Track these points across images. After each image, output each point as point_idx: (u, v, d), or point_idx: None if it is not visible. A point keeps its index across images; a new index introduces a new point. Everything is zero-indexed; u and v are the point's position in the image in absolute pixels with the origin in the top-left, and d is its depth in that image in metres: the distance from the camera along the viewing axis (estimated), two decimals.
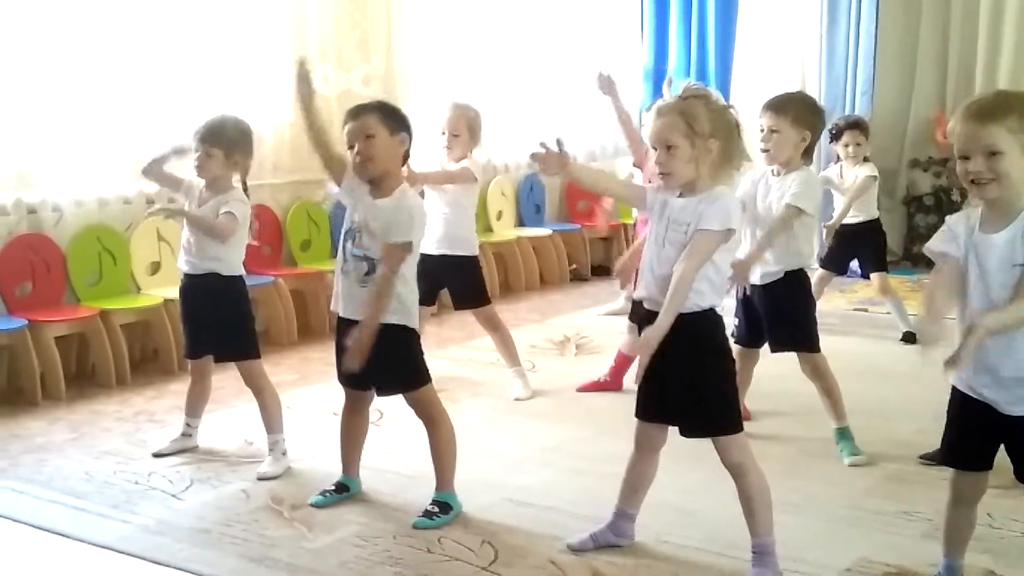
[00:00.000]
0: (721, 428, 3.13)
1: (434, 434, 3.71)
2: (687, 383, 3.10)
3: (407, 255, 3.57)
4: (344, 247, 3.64)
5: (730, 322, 4.34)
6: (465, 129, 5.02)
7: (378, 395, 3.77)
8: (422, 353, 3.73)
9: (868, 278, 6.17)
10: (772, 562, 3.13)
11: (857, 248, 6.03)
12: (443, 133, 5.01)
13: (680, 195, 3.12)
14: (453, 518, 3.62)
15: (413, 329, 3.64)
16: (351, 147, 3.59)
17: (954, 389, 2.85)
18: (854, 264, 6.36)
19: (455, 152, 5.01)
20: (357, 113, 3.63)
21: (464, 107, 5.08)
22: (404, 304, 3.59)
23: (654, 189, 3.22)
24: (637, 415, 3.28)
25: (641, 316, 3.22)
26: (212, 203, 4.11)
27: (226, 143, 4.09)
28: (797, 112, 4.04)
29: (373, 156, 3.56)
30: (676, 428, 3.22)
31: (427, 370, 3.71)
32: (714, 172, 3.09)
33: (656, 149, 3.09)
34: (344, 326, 3.65)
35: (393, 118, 3.62)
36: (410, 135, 3.66)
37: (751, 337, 4.24)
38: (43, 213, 5.40)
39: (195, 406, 4.38)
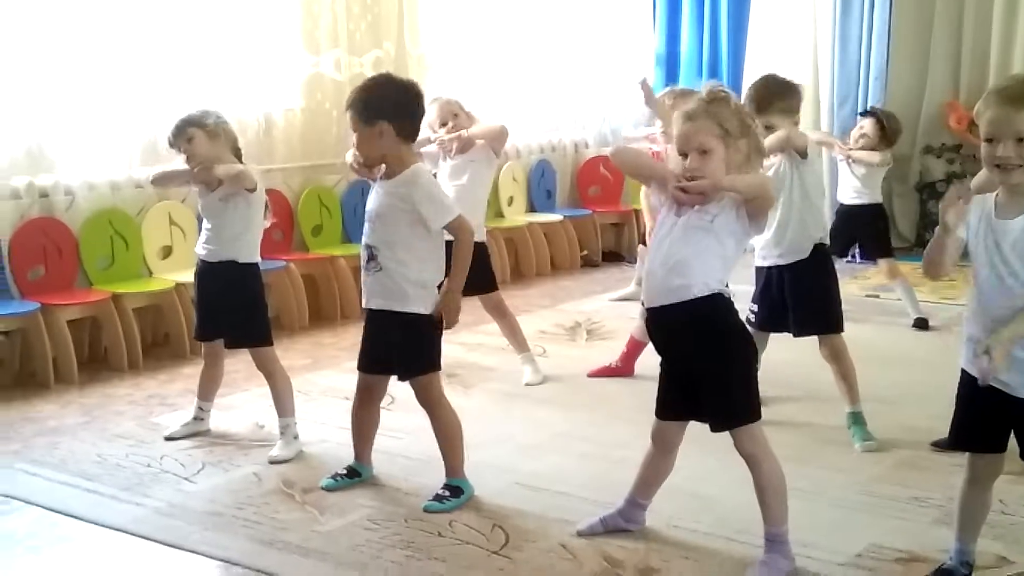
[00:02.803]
0: (741, 417, 3.11)
1: (438, 421, 3.73)
2: (710, 371, 3.09)
3: (464, 224, 3.61)
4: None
5: (744, 308, 4.36)
6: (459, 110, 5.05)
7: (398, 380, 3.78)
8: (439, 340, 3.73)
9: (875, 262, 6.18)
10: (785, 551, 3.12)
11: (858, 231, 6.03)
12: (442, 125, 4.99)
13: None
14: (464, 502, 3.63)
15: (424, 315, 3.64)
16: None
17: (963, 372, 2.84)
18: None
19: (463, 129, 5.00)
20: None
21: (445, 98, 5.11)
22: (414, 291, 3.60)
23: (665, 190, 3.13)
24: (658, 415, 3.26)
25: (648, 321, 3.22)
26: (220, 191, 4.11)
27: (196, 122, 4.16)
28: (782, 103, 4.03)
29: (360, 150, 3.64)
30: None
31: (439, 358, 3.73)
32: (740, 172, 3.06)
33: (686, 155, 3.05)
34: (368, 316, 3.71)
35: (367, 109, 3.57)
36: (394, 118, 3.56)
37: (770, 322, 4.22)
38: (55, 197, 5.41)
39: (207, 390, 4.39)
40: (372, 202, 3.67)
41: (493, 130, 5.11)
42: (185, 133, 4.14)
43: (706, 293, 3.05)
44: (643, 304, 3.27)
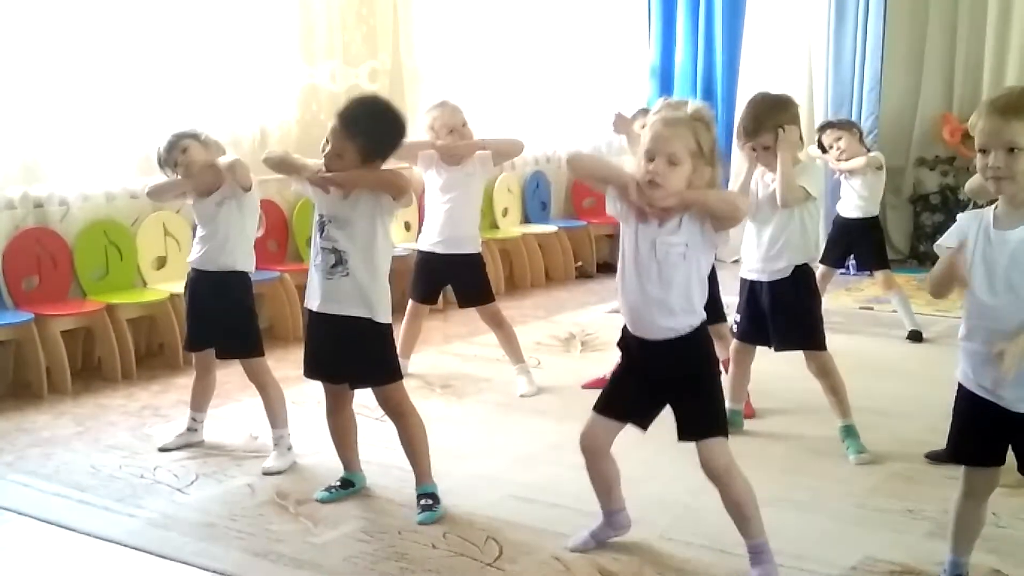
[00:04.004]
0: (721, 429, 3.12)
1: (406, 428, 3.71)
2: (692, 384, 3.10)
3: (400, 181, 3.56)
4: (314, 240, 3.65)
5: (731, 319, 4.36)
6: (463, 119, 5.01)
7: (351, 387, 3.77)
8: (394, 348, 3.75)
9: (870, 274, 6.19)
10: (771, 559, 3.12)
11: (853, 243, 6.04)
12: (449, 132, 4.95)
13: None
14: (442, 506, 3.65)
15: (387, 324, 3.64)
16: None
17: (960, 386, 2.84)
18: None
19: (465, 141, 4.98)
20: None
21: (452, 104, 5.06)
22: (379, 298, 3.60)
23: (627, 196, 3.05)
24: (603, 411, 3.23)
25: (624, 337, 3.19)
26: (216, 195, 4.12)
27: (188, 134, 4.18)
28: (774, 122, 4.00)
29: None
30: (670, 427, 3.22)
31: (399, 366, 3.77)
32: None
33: (653, 159, 2.98)
34: (315, 321, 3.67)
35: (351, 125, 3.56)
36: (374, 138, 3.57)
37: (753, 334, 4.24)
38: (50, 207, 5.41)
39: (200, 400, 4.39)
40: (327, 207, 3.60)
41: (507, 143, 5.08)
42: (179, 145, 4.15)
43: (695, 325, 3.07)
44: (618, 345, 3.22)
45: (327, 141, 3.59)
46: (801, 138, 4.17)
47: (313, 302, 3.65)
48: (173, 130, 4.28)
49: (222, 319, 4.18)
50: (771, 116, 4.02)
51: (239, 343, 4.20)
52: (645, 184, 2.98)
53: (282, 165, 3.84)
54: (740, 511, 3.10)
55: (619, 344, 3.23)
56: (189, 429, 4.38)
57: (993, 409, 2.75)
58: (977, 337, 2.75)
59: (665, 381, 3.12)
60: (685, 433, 3.13)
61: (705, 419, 3.11)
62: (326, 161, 3.59)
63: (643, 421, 3.24)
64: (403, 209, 3.63)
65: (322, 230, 3.60)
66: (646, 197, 2.98)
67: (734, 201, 3.11)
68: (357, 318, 3.57)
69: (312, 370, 3.75)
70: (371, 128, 3.57)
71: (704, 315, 3.11)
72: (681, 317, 3.05)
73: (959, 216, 2.83)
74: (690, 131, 2.97)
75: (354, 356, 3.62)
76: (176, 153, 4.15)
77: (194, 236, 4.26)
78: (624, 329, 3.18)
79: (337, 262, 3.57)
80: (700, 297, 3.08)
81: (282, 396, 4.23)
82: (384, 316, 3.62)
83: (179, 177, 4.20)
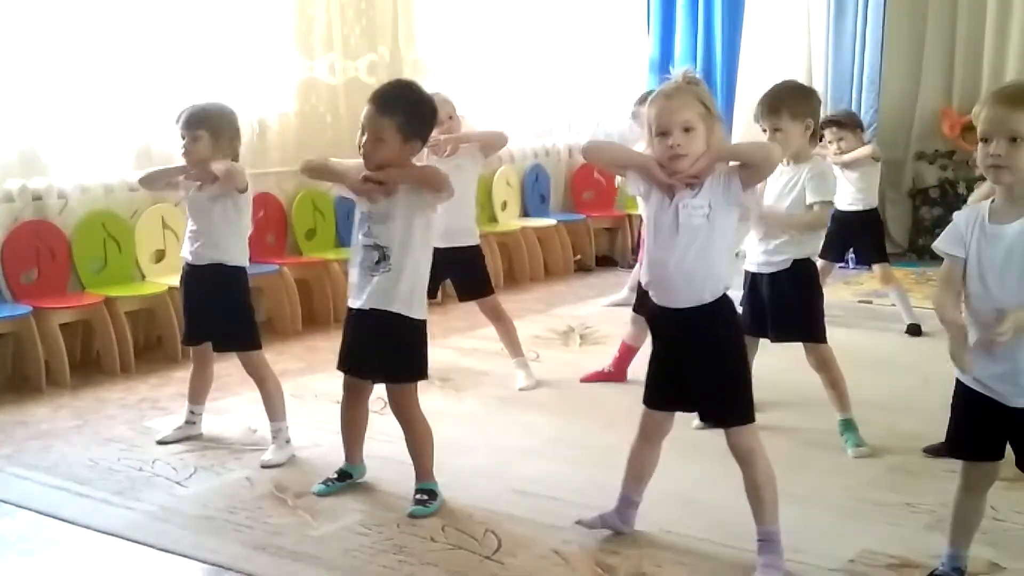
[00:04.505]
0: (747, 413, 3.13)
1: (416, 428, 3.71)
2: (712, 369, 3.10)
3: (439, 176, 3.56)
4: (356, 239, 3.65)
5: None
6: (453, 111, 4.99)
7: (376, 382, 3.77)
8: (426, 346, 3.73)
9: (869, 267, 6.19)
10: (780, 550, 3.13)
11: (853, 237, 6.03)
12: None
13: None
14: (441, 503, 3.64)
15: (423, 320, 3.64)
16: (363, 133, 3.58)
17: (958, 382, 2.84)
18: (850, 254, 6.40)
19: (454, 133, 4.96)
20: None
21: (442, 96, 4.95)
22: (418, 295, 3.62)
23: (653, 177, 3.07)
24: (648, 403, 3.25)
25: (651, 309, 3.21)
26: (211, 189, 4.10)
27: (211, 125, 4.10)
28: (792, 107, 4.02)
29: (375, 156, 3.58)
30: (677, 418, 3.22)
31: (427, 365, 3.72)
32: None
33: (665, 133, 2.99)
34: (353, 317, 3.66)
35: (387, 104, 3.55)
36: (411, 114, 3.57)
37: (755, 326, 4.24)
38: (48, 200, 5.41)
39: (198, 393, 4.39)
40: (378, 203, 3.58)
41: (492, 135, 5.09)
42: (193, 129, 4.07)
43: (719, 296, 3.08)
44: (634, 310, 3.25)
45: (362, 132, 3.56)
46: (816, 132, 4.17)
47: (356, 301, 3.64)
48: (207, 100, 4.23)
49: (218, 314, 4.17)
50: (788, 101, 4.04)
51: (235, 337, 4.19)
52: (668, 161, 2.99)
53: (323, 174, 3.88)
54: (758, 493, 3.11)
55: (647, 319, 3.23)
56: (187, 422, 4.38)
57: (990, 404, 2.75)
58: (973, 332, 2.75)
59: (691, 354, 3.11)
60: (709, 417, 3.13)
61: (731, 405, 3.11)
62: (366, 150, 3.56)
63: (689, 405, 3.23)
64: (442, 204, 3.68)
65: (364, 227, 3.60)
66: (672, 171, 2.99)
67: (767, 145, 3.12)
68: (396, 314, 3.57)
69: (345, 363, 3.75)
70: (407, 104, 3.58)
71: (730, 284, 3.11)
72: (706, 283, 3.05)
73: (955, 215, 2.83)
74: (692, 95, 3.00)
75: (388, 352, 3.62)
76: (188, 134, 4.09)
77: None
78: (650, 303, 3.18)
79: (380, 258, 3.57)
80: (726, 266, 3.09)
81: (280, 389, 4.22)
82: (421, 313, 3.62)
83: (181, 151, 4.15)
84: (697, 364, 3.11)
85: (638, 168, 3.10)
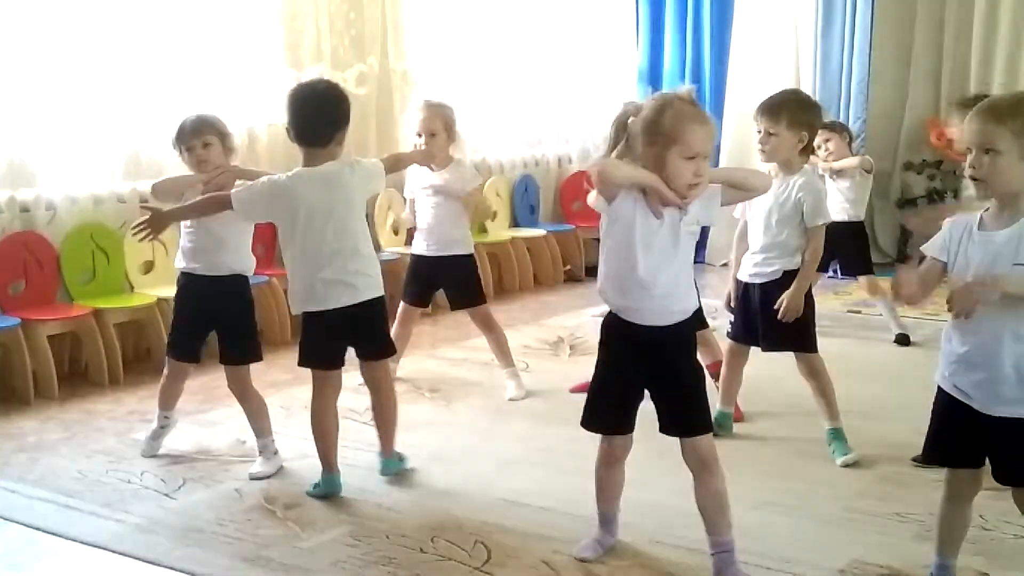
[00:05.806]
0: (708, 422, 3.15)
1: (390, 398, 3.99)
2: (684, 381, 3.11)
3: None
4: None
5: (724, 321, 4.37)
6: (442, 127, 4.91)
7: (367, 359, 3.95)
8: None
9: (855, 278, 6.21)
10: (736, 559, 3.13)
11: (837, 248, 6.02)
12: (419, 135, 4.92)
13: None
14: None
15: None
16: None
17: (939, 388, 2.87)
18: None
19: (438, 155, 4.93)
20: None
21: (438, 105, 4.98)
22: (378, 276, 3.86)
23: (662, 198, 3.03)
24: (617, 430, 3.26)
25: (617, 331, 3.17)
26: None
27: (217, 129, 4.11)
28: (792, 115, 4.03)
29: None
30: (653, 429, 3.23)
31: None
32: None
33: (693, 157, 2.94)
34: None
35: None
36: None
37: (745, 335, 4.25)
38: (37, 211, 5.39)
39: (170, 400, 4.31)
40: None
41: (464, 179, 5.00)
42: (203, 136, 4.05)
43: (694, 310, 3.14)
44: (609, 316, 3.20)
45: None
46: (811, 146, 4.18)
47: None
48: (207, 109, 4.24)
49: (234, 325, 4.13)
50: (791, 108, 4.05)
51: (249, 349, 4.16)
52: (688, 188, 2.97)
53: (397, 164, 4.66)
54: (720, 501, 3.12)
55: (602, 342, 3.21)
56: (161, 427, 4.31)
57: (967, 411, 2.77)
58: (955, 338, 2.79)
59: (653, 370, 3.11)
60: (671, 428, 3.14)
61: (692, 415, 3.12)
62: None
63: (633, 420, 3.25)
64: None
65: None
66: (684, 195, 2.99)
67: (764, 176, 3.28)
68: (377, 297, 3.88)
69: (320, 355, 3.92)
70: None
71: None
72: (685, 301, 3.10)
73: (946, 223, 2.86)
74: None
75: (372, 331, 3.90)
76: (198, 142, 4.05)
77: (181, 240, 4.18)
78: (612, 326, 3.16)
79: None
80: (692, 282, 3.18)
81: (264, 405, 4.19)
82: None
83: (185, 160, 4.10)
84: (667, 378, 3.11)
85: (648, 186, 2.99)
